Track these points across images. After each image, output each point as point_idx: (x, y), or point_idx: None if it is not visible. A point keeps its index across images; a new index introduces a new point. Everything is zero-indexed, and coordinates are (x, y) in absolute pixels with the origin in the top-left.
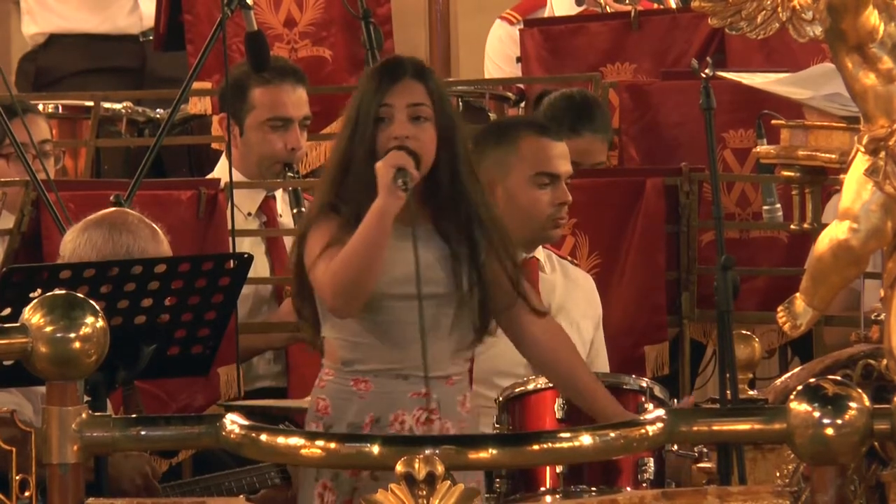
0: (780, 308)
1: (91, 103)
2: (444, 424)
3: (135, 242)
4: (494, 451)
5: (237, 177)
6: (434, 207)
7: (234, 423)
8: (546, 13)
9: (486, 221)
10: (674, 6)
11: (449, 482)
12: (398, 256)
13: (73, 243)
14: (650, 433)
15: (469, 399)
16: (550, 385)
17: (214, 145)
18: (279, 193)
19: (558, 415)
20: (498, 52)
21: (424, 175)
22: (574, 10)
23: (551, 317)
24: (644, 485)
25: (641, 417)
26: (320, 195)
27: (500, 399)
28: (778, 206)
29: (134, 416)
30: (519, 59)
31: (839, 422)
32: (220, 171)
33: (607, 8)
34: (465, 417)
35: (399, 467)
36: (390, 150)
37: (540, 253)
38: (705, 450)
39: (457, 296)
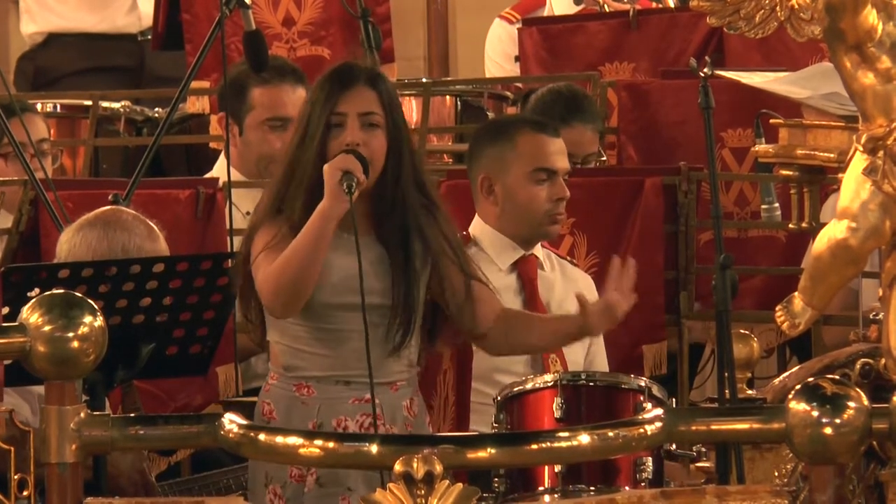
0: (778, 307)
1: (89, 102)
2: (388, 430)
3: (130, 240)
4: (493, 451)
5: (236, 176)
6: (377, 215)
7: (232, 422)
8: (545, 12)
9: (426, 228)
10: (672, 5)
11: (447, 481)
12: (338, 263)
13: (69, 243)
14: (649, 432)
15: (416, 403)
16: (549, 384)
17: (213, 144)
18: None
19: (557, 414)
20: (498, 51)
21: (372, 182)
22: (573, 9)
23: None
24: (642, 484)
25: (640, 417)
26: (267, 198)
27: (499, 398)
28: (776, 205)
29: (132, 415)
30: (517, 59)
31: (838, 421)
32: (219, 170)
33: (606, 7)
34: (410, 420)
35: (397, 466)
36: (339, 154)
37: (539, 251)
38: (704, 449)
39: (394, 303)
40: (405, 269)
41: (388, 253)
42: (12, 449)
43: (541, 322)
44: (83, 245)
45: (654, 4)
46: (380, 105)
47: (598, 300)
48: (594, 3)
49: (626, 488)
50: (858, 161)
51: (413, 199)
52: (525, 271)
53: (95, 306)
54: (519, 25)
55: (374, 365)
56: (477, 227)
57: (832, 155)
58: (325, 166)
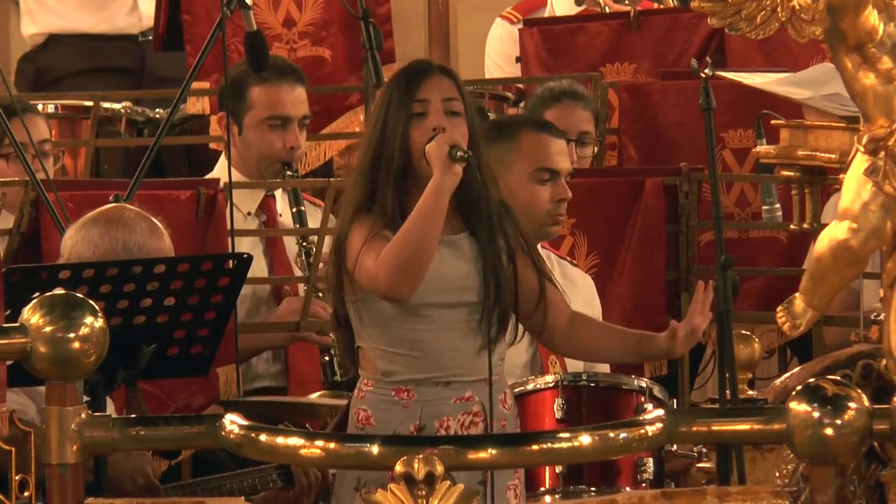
0: (779, 308)
1: (90, 103)
2: (488, 425)
3: (131, 237)
4: (494, 451)
5: (236, 176)
6: (464, 210)
7: (233, 423)
8: (546, 13)
9: (505, 224)
10: (672, 5)
11: (448, 482)
12: (440, 270)
13: (72, 241)
14: (649, 433)
15: (509, 396)
16: (550, 385)
17: (212, 145)
18: (279, 193)
19: (558, 415)
20: (498, 52)
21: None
22: (574, 9)
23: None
24: (643, 485)
25: (641, 418)
26: (352, 200)
27: None
28: (777, 206)
29: (133, 416)
30: (518, 59)
31: (838, 422)
32: (220, 170)
33: (606, 8)
34: (506, 414)
35: (398, 467)
36: (433, 137)
37: (539, 251)
38: (704, 450)
39: (490, 299)
40: (497, 264)
41: (479, 248)
42: (13, 449)
43: (615, 335)
44: (85, 242)
45: (655, 5)
46: (458, 93)
47: (684, 323)
48: (595, 3)
49: (627, 489)
50: (859, 162)
51: (493, 192)
52: None
53: (96, 307)
54: (520, 26)
55: (469, 362)
56: None
57: (833, 156)
58: (427, 146)
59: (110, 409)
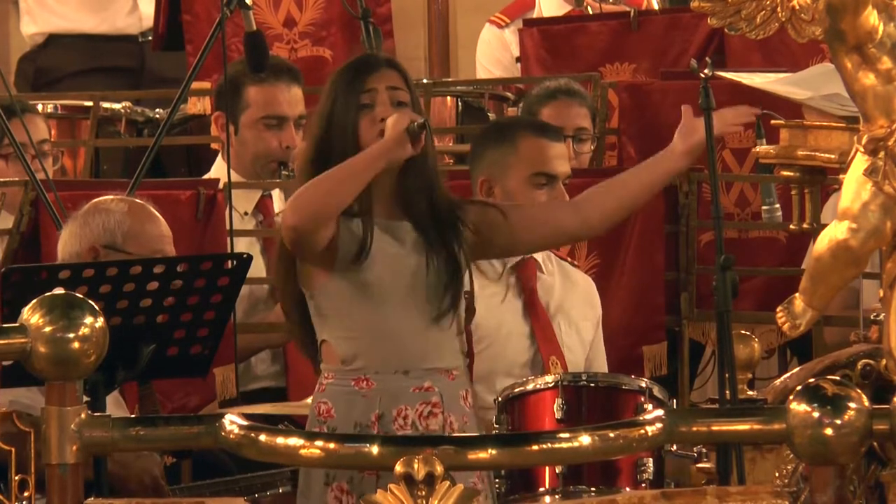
0: (779, 308)
1: (90, 103)
2: (447, 418)
3: (109, 218)
4: (494, 452)
5: (233, 175)
6: (405, 198)
7: (233, 423)
8: (535, 15)
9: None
10: (657, 8)
11: (448, 482)
12: (386, 249)
13: (62, 241)
14: (649, 433)
15: (471, 395)
16: (550, 385)
17: (216, 146)
18: (275, 192)
19: (557, 415)
20: (486, 56)
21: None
22: (563, 9)
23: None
24: (643, 485)
25: (641, 418)
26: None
27: (500, 399)
28: (777, 206)
29: (133, 416)
30: (518, 60)
31: (838, 422)
32: (217, 170)
33: (589, 9)
34: (467, 412)
35: (398, 467)
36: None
37: (538, 254)
38: (704, 450)
39: (430, 280)
40: (439, 246)
41: (420, 233)
42: (13, 449)
43: (629, 175)
44: (71, 238)
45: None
46: (405, 83)
47: (676, 141)
48: (586, 7)
49: (627, 489)
50: (859, 162)
51: (437, 180)
52: (524, 274)
53: (96, 307)
54: (508, 28)
55: (429, 348)
56: None
57: (833, 156)
58: (388, 119)
59: (122, 407)
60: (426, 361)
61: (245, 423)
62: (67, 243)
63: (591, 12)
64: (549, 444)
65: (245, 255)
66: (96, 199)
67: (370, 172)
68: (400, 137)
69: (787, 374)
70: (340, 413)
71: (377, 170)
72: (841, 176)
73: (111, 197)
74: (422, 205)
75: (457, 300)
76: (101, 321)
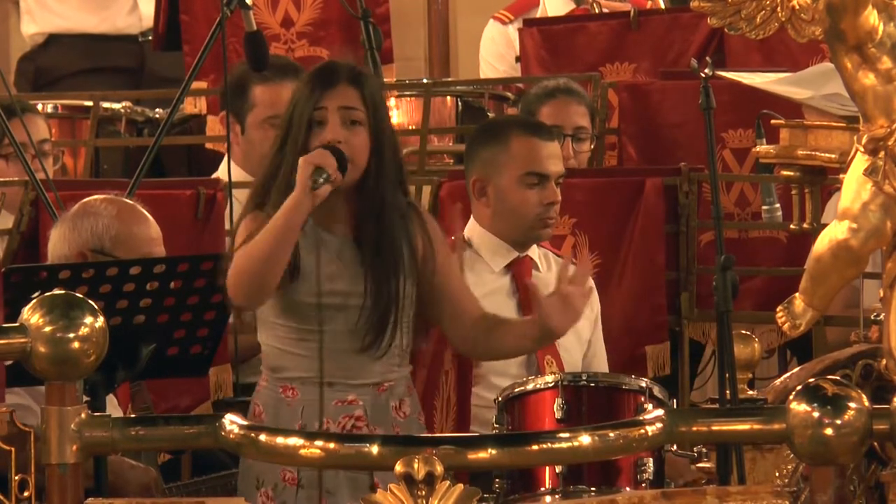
0: (779, 308)
1: (90, 103)
2: (372, 431)
3: (97, 223)
4: (494, 452)
5: (242, 175)
6: (358, 215)
7: (232, 423)
8: (539, 13)
9: (409, 229)
10: (663, 6)
11: (448, 482)
12: (318, 263)
13: (51, 243)
14: (649, 433)
15: (409, 404)
16: (550, 385)
17: (209, 145)
18: None
19: (557, 415)
20: (491, 52)
21: (355, 180)
22: (567, 7)
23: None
24: (643, 485)
25: (641, 418)
26: (250, 196)
27: (500, 399)
28: (777, 205)
29: (133, 416)
30: (518, 59)
31: (838, 422)
32: (225, 170)
33: (595, 7)
34: (399, 423)
35: (398, 467)
36: (317, 148)
37: (534, 251)
38: (704, 450)
39: (364, 304)
40: (378, 270)
41: (360, 253)
42: (13, 449)
43: (512, 326)
44: (60, 242)
45: (648, 4)
46: (362, 102)
47: (550, 295)
48: (591, 4)
49: (627, 489)
50: (859, 162)
51: (394, 199)
52: (519, 273)
53: (96, 307)
54: (512, 26)
55: (355, 366)
56: (471, 228)
57: (833, 155)
58: (301, 159)
59: (114, 405)
60: (350, 378)
61: (245, 422)
62: (57, 246)
63: (595, 10)
64: (549, 444)
65: None
66: (85, 200)
67: (291, 231)
68: (305, 186)
69: (787, 374)
70: (269, 418)
71: (297, 224)
72: (841, 176)
73: (100, 197)
74: (369, 228)
75: (391, 329)
76: (100, 321)
